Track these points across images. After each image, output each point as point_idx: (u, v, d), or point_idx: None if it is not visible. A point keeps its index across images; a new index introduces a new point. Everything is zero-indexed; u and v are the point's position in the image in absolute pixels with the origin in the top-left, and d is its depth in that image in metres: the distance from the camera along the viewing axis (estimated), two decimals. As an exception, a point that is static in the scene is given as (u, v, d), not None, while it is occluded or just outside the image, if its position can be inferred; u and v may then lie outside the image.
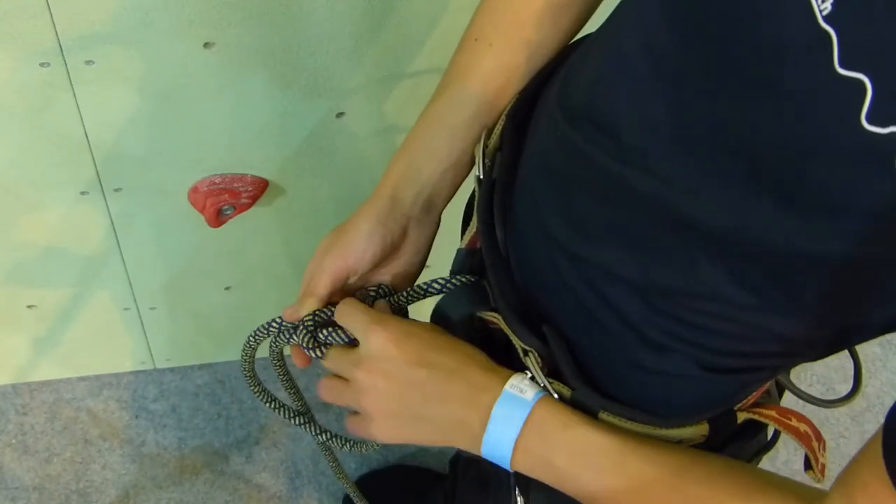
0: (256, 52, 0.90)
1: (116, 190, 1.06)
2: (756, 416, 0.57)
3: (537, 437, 0.53)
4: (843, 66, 0.35)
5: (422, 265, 0.68)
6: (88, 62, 0.87)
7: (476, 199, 0.64)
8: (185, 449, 1.48)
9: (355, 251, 0.63)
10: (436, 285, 0.64)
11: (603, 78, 0.51)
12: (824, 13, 0.35)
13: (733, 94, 0.41)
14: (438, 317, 0.64)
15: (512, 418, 0.53)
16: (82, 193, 1.06)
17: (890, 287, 0.41)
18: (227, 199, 1.06)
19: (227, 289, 1.31)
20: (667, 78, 0.45)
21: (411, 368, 0.56)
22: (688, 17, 0.43)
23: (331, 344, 0.64)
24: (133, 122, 0.97)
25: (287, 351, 0.71)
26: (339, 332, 0.64)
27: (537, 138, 0.59)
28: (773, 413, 0.57)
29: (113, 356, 1.47)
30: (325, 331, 0.65)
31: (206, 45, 0.88)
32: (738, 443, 0.60)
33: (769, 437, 0.65)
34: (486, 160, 0.64)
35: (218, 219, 1.07)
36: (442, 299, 0.64)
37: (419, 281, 0.67)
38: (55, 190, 1.05)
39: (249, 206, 1.09)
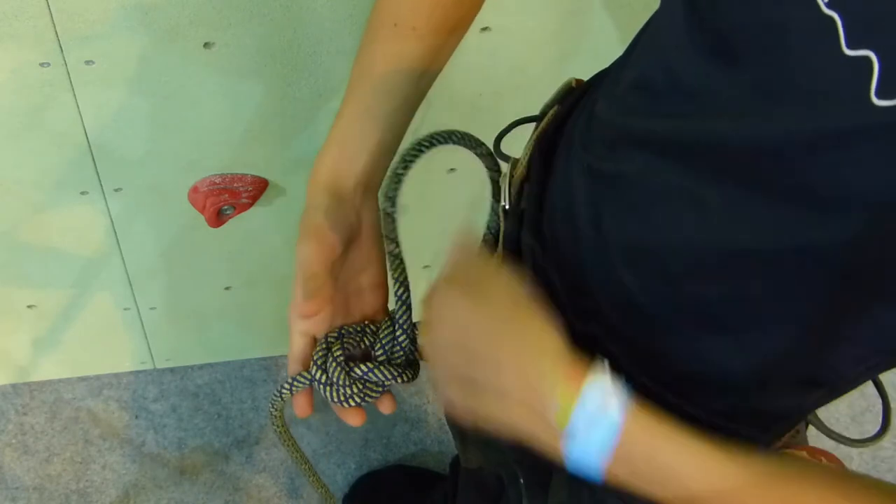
0: (256, 52, 0.90)
1: (116, 190, 1.06)
2: None
3: (625, 462, 0.44)
4: (849, 46, 0.36)
5: (384, 250, 0.65)
6: (88, 62, 0.87)
7: (501, 230, 0.63)
8: (185, 449, 1.47)
9: (326, 230, 0.61)
10: None
11: (630, 100, 0.51)
12: (826, 0, 0.36)
13: (747, 98, 0.41)
14: None
15: (597, 447, 0.44)
16: (82, 193, 1.06)
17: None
18: (227, 199, 1.06)
19: (227, 289, 1.31)
20: (684, 90, 0.45)
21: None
22: (710, 40, 0.43)
23: (369, 380, 0.62)
24: (133, 122, 0.97)
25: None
26: (382, 368, 0.62)
27: (571, 168, 0.58)
28: (804, 455, 0.56)
29: (113, 356, 1.47)
30: (362, 366, 0.62)
31: (206, 45, 0.88)
32: None
33: None
34: (512, 190, 0.63)
35: (218, 219, 1.07)
36: None
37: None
38: (55, 190, 1.05)
39: (249, 206, 1.09)
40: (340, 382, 0.62)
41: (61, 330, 1.34)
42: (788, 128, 0.39)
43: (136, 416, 1.49)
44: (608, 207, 0.52)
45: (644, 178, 0.49)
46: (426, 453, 1.49)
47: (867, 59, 0.35)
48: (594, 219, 0.54)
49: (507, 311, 0.49)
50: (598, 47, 0.98)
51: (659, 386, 0.53)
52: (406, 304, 0.65)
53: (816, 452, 0.56)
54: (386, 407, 0.66)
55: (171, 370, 1.52)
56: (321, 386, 0.63)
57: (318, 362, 0.63)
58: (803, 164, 0.39)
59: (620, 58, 0.59)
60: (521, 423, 0.47)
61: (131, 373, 1.51)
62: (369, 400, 0.64)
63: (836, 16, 0.36)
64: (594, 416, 0.44)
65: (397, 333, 0.64)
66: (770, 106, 0.40)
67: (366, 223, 0.64)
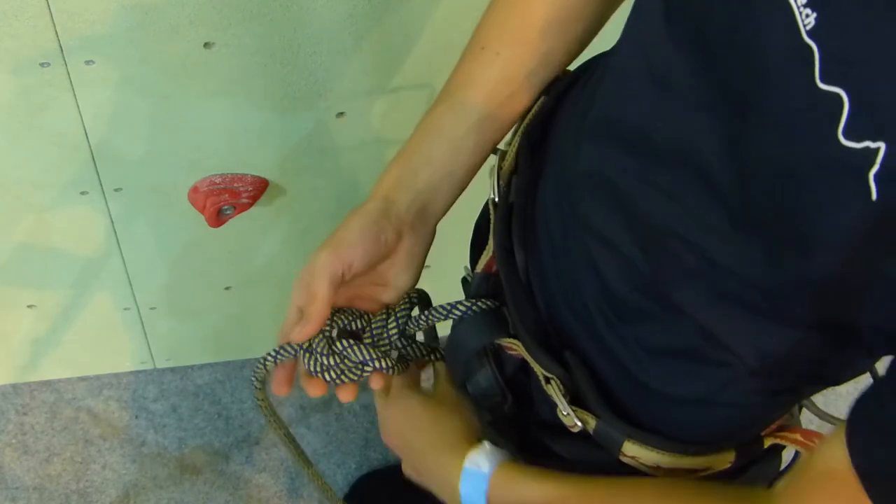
0: (256, 52, 0.90)
1: (116, 190, 1.06)
2: (781, 441, 0.57)
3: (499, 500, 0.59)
4: (823, 80, 0.35)
5: (415, 278, 0.66)
6: (88, 62, 0.87)
7: (492, 222, 0.63)
8: (185, 449, 1.48)
9: (349, 245, 0.60)
10: (461, 307, 0.62)
11: (617, 97, 0.51)
12: (808, 28, 0.35)
13: (724, 112, 0.41)
14: (454, 346, 0.64)
15: (476, 493, 0.60)
16: (82, 193, 1.06)
17: (875, 298, 0.40)
18: (227, 199, 1.06)
19: (227, 289, 1.31)
20: (666, 96, 0.45)
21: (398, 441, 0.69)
22: (688, 40, 0.43)
23: (348, 357, 0.62)
24: (133, 122, 0.97)
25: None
26: (363, 347, 0.62)
27: (562, 161, 0.58)
28: (797, 437, 0.57)
29: (113, 356, 1.47)
30: (344, 341, 0.63)
31: (206, 45, 0.88)
32: (757, 466, 0.60)
33: (791, 458, 0.64)
34: (501, 182, 0.63)
35: (218, 219, 1.07)
36: (459, 329, 0.63)
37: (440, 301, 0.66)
38: (55, 190, 1.05)
39: (249, 206, 1.09)
40: (319, 350, 0.62)
41: (61, 330, 1.34)
42: (762, 149, 0.39)
43: (136, 416, 1.49)
44: (595, 197, 0.53)
45: (625, 173, 0.49)
46: (426, 453, 1.50)
47: (838, 97, 0.34)
48: (583, 207, 0.54)
49: (432, 412, 0.66)
50: (599, 40, 0.98)
51: (659, 353, 0.53)
52: (411, 300, 0.65)
53: (811, 435, 0.56)
54: (344, 395, 0.65)
55: (171, 370, 1.52)
56: (302, 353, 0.63)
57: None
58: (770, 192, 0.39)
59: (609, 50, 0.59)
60: (436, 489, 0.64)
61: (131, 373, 1.51)
62: (345, 379, 0.64)
63: (814, 46, 0.35)
64: (473, 475, 0.59)
65: (389, 323, 0.64)
66: (742, 118, 0.39)
67: (404, 247, 0.63)
